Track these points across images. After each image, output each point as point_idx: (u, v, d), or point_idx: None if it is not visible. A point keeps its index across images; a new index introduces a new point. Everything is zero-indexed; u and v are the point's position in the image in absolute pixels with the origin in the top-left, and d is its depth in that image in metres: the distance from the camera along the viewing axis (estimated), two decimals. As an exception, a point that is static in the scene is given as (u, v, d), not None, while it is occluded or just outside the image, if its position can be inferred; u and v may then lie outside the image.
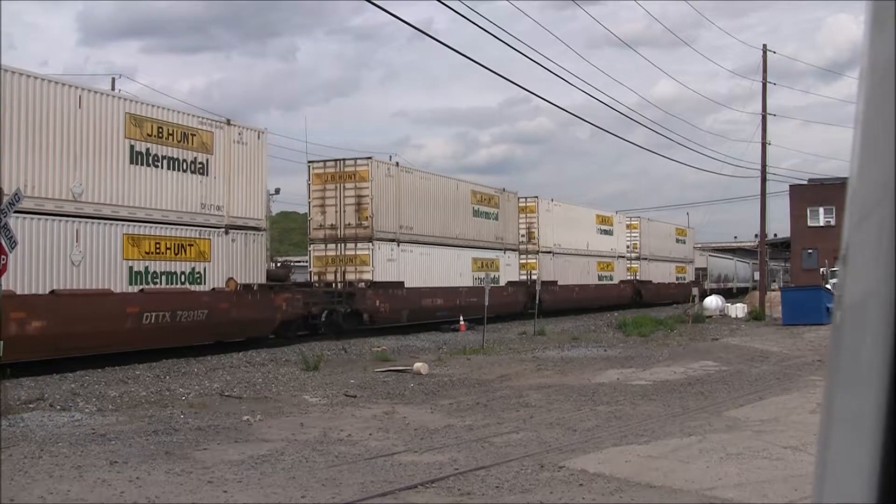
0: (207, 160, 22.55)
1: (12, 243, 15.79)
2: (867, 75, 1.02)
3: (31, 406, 13.31)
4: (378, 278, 29.19)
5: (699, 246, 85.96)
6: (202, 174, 22.37)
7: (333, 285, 29.03)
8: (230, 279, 22.90)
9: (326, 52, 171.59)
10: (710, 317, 38.17)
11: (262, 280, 24.44)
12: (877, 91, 0.98)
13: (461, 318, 32.14)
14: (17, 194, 15.04)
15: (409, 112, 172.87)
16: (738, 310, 39.88)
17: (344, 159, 30.00)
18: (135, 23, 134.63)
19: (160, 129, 21.11)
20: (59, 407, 13.32)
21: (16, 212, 13.98)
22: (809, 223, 57.38)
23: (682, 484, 8.39)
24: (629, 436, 10.98)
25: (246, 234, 23.74)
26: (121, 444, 10.45)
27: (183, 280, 21.48)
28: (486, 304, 26.36)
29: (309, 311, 26.61)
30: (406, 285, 30.54)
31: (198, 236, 22.10)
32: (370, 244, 29.10)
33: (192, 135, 22.14)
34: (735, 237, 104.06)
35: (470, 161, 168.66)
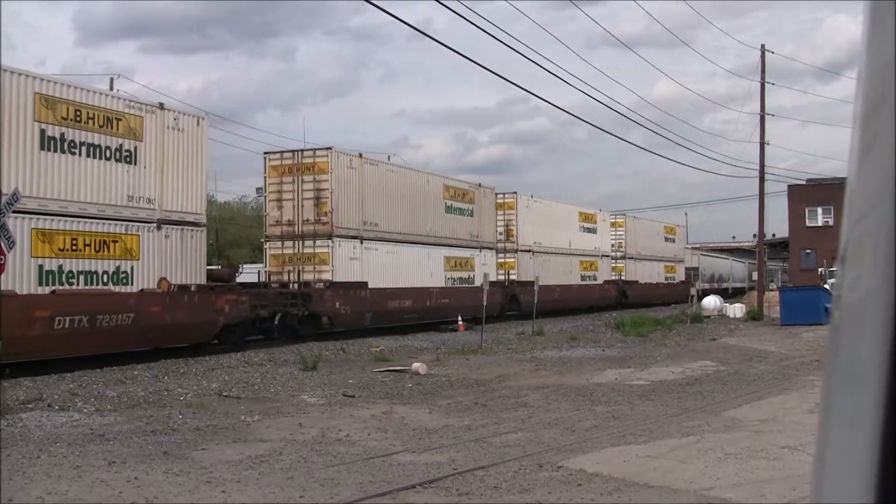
0: (136, 148, 20.48)
1: (10, 243, 15.78)
2: (865, 75, 1.02)
3: (29, 406, 13.30)
4: (338, 278, 27.39)
5: (697, 246, 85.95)
6: (130, 163, 20.28)
7: (290, 286, 26.94)
8: (162, 279, 20.90)
9: (325, 53, 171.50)
10: (709, 317, 38.17)
11: (202, 280, 22.44)
12: (875, 91, 0.98)
13: (460, 318, 31.89)
14: (15, 194, 15.01)
15: (408, 112, 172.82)
16: (737, 310, 39.88)
17: (302, 150, 28.26)
18: (132, 23, 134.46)
19: (78, 113, 18.93)
20: (57, 407, 13.32)
21: None
22: (808, 223, 57.46)
23: (681, 484, 8.40)
24: (627, 436, 10.98)
25: (182, 229, 21.76)
26: (119, 445, 10.44)
27: (106, 280, 19.48)
28: (485, 303, 26.40)
29: (257, 313, 24.29)
30: (370, 286, 28.62)
31: (124, 232, 20.08)
32: (330, 241, 27.32)
33: (118, 119, 20.05)
34: (733, 237, 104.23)
35: (468, 161, 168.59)
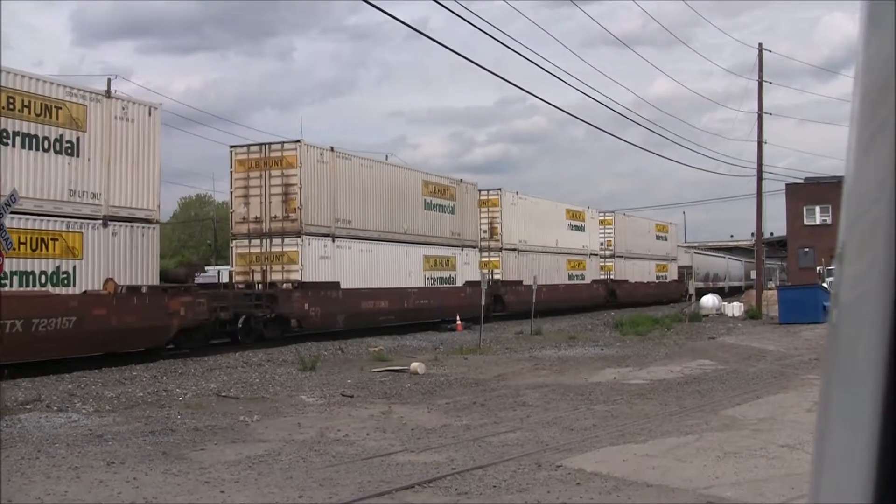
0: (79, 139, 18.98)
1: (8, 244, 15.78)
2: (863, 74, 1.02)
3: (28, 407, 13.30)
4: (308, 278, 25.97)
5: (695, 245, 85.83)
6: (71, 155, 18.79)
7: (255, 286, 25.62)
8: (109, 280, 19.31)
9: (322, 52, 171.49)
10: (707, 315, 38.19)
11: (154, 281, 20.85)
12: (872, 89, 0.98)
13: (458, 317, 31.78)
14: (13, 195, 15.02)
15: (406, 111, 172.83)
16: (735, 308, 39.91)
17: (270, 143, 26.82)
18: (129, 23, 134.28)
19: (11, 100, 17.52)
20: (56, 408, 13.31)
21: None
22: (806, 222, 57.53)
23: (680, 483, 8.40)
24: (626, 435, 10.99)
25: (132, 226, 20.20)
26: (118, 445, 10.43)
27: (44, 281, 18.04)
28: (483, 303, 26.39)
29: (217, 316, 22.75)
30: (342, 286, 27.17)
31: (65, 229, 18.58)
32: (299, 240, 25.88)
33: (57, 108, 18.55)
34: (731, 236, 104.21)
35: (466, 160, 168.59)
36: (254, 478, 8.76)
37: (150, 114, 21.07)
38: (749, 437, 10.61)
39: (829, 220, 54.82)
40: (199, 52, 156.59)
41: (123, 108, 20.27)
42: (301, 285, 25.67)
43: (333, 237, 27.31)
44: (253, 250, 26.43)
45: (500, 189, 39.82)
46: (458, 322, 31.72)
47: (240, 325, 24.15)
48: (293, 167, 26.00)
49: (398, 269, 30.56)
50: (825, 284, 35.67)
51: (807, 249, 56.18)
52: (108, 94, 19.93)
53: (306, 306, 25.61)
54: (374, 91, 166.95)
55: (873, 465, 0.87)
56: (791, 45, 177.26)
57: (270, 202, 26.26)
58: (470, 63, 35.88)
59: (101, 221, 19.49)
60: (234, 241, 27.01)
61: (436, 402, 14.30)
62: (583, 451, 10.04)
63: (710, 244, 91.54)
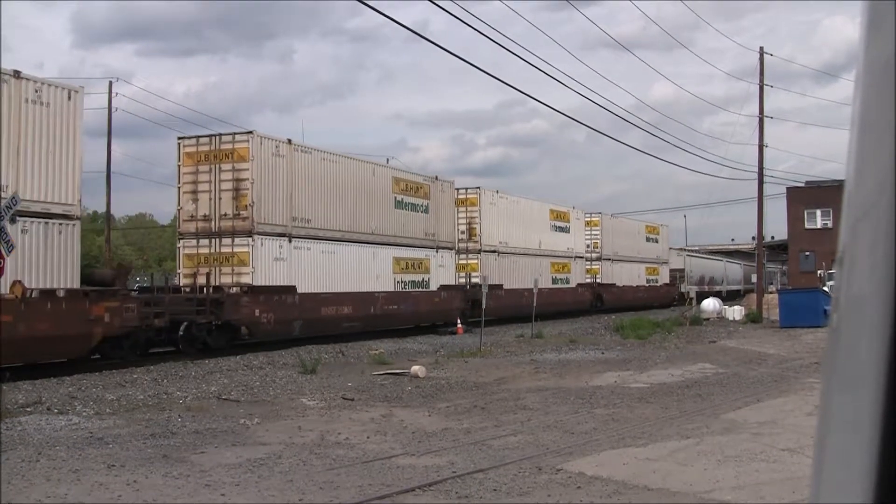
0: None
1: (10, 247, 15.79)
2: (863, 77, 1.02)
3: (28, 410, 13.30)
4: (261, 282, 23.97)
5: (695, 248, 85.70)
6: None
7: (202, 290, 23.35)
8: (16, 282, 17.13)
9: (322, 55, 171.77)
10: (708, 319, 38.19)
11: (75, 284, 18.58)
12: (873, 92, 0.98)
13: (459, 321, 31.66)
14: (14, 198, 15.02)
15: (405, 114, 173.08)
16: (736, 312, 39.90)
17: (220, 134, 24.69)
18: (129, 26, 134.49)
19: None
20: (56, 410, 13.31)
21: None
22: (807, 225, 57.49)
23: (680, 486, 8.39)
24: (627, 438, 10.98)
25: (47, 223, 18.01)
26: (118, 448, 10.43)
27: None
28: (484, 306, 26.33)
29: (150, 323, 20.61)
30: (299, 290, 25.13)
31: None
32: (250, 239, 23.86)
33: None
34: (732, 239, 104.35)
35: (466, 163, 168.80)
36: (254, 481, 8.75)
37: (69, 98, 18.61)
38: (750, 440, 10.61)
39: (829, 224, 54.80)
40: (199, 55, 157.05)
41: (37, 91, 17.94)
42: (251, 289, 23.69)
43: (290, 237, 25.33)
44: (201, 251, 24.48)
45: (478, 187, 37.94)
46: (459, 325, 31.61)
47: (181, 333, 22.33)
48: (245, 160, 24.02)
49: (364, 273, 28.56)
50: (826, 288, 35.63)
51: (807, 253, 56.16)
52: (17, 74, 17.57)
53: (257, 312, 23.58)
54: (374, 94, 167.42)
55: (874, 467, 0.87)
56: (792, 48, 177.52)
57: (220, 198, 24.23)
58: (470, 66, 35.45)
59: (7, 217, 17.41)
60: (181, 241, 25.10)
61: (436, 405, 14.30)
62: (583, 454, 10.03)
63: (710, 247, 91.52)
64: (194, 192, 24.53)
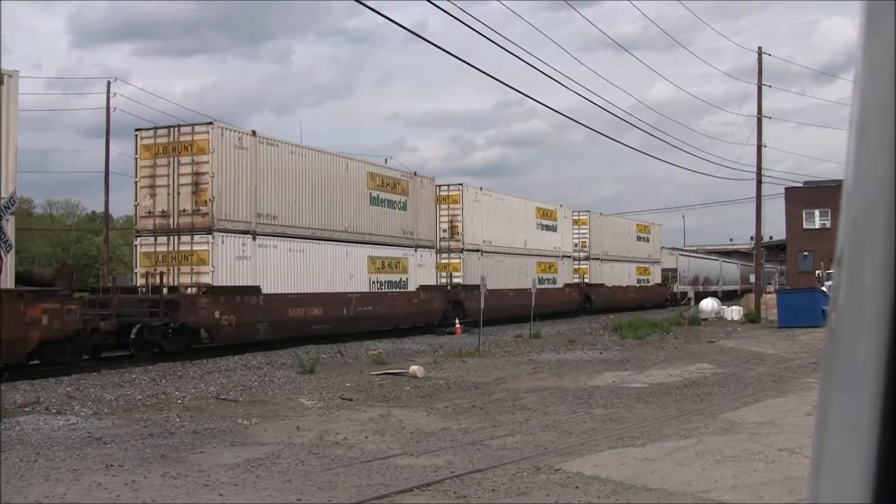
0: None
1: (7, 247, 15.79)
2: (862, 77, 1.02)
3: (27, 410, 13.29)
4: (221, 281, 22.66)
5: (694, 248, 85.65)
6: None
7: (149, 291, 22.10)
8: None
9: (321, 55, 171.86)
10: (706, 319, 38.21)
11: (9, 284, 17.28)
12: (872, 93, 0.98)
13: (457, 321, 31.56)
14: (12, 197, 15.02)
15: (404, 115, 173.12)
16: (734, 312, 39.93)
17: (179, 126, 23.43)
18: (127, 25, 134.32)
19: None
20: (54, 410, 13.31)
21: None
22: (805, 225, 57.50)
23: (679, 486, 8.40)
24: (625, 438, 10.98)
25: None
26: (116, 448, 10.43)
27: None
28: (482, 306, 26.30)
29: (95, 326, 19.31)
30: (265, 291, 23.84)
31: None
32: (210, 237, 22.52)
33: None
34: (731, 239, 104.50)
35: (465, 164, 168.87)
36: (252, 481, 8.75)
37: (1, 82, 16.92)
38: (748, 440, 10.61)
39: (828, 224, 54.82)
40: (198, 55, 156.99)
41: None
42: (211, 290, 22.33)
43: (254, 234, 23.96)
44: (159, 249, 23.19)
45: (461, 184, 36.49)
46: (457, 325, 31.54)
47: (133, 337, 21.16)
48: (205, 153, 22.64)
49: (337, 272, 27.19)
50: (824, 288, 35.68)
51: (806, 253, 56.19)
52: None
53: (217, 314, 22.20)
54: (373, 94, 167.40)
55: (872, 467, 0.87)
56: (790, 48, 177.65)
57: (179, 193, 22.93)
58: (468, 66, 35.06)
59: None
60: (138, 239, 23.75)
61: (435, 405, 14.30)
62: (581, 454, 10.03)
63: (709, 248, 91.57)
64: (152, 186, 23.30)
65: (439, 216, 35.01)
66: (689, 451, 10.00)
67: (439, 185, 35.39)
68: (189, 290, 22.44)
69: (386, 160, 34.18)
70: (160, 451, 10.28)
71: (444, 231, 35.48)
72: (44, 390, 15.41)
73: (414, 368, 18.18)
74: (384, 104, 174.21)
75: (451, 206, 35.83)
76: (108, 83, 45.05)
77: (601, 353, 23.61)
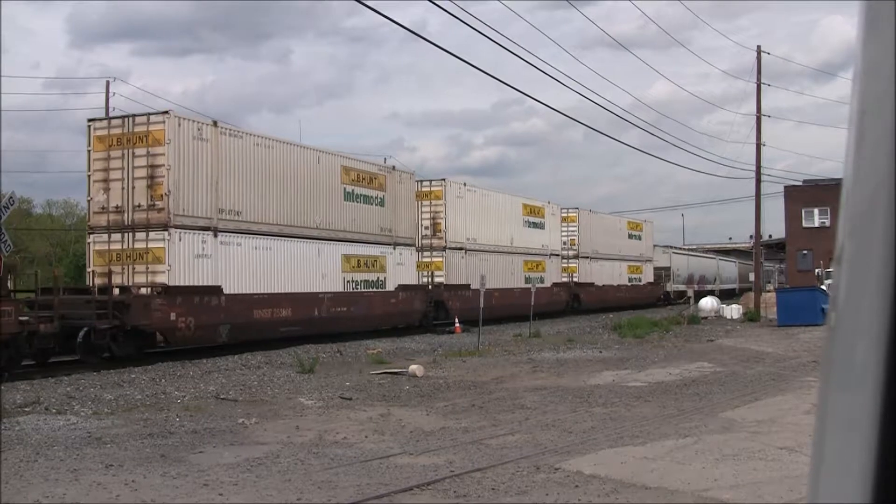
0: None
1: (7, 247, 15.79)
2: (861, 76, 1.02)
3: (26, 410, 13.29)
4: (179, 281, 21.34)
5: (693, 247, 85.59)
6: None
7: (103, 291, 20.75)
8: None
9: (319, 55, 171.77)
10: (706, 318, 38.23)
11: None
12: (871, 92, 0.98)
13: (457, 320, 31.52)
14: (11, 197, 15.02)
15: (402, 114, 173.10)
16: (734, 311, 39.96)
17: (134, 115, 22.21)
18: (125, 25, 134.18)
19: None
20: (54, 410, 13.30)
21: None
22: (804, 224, 57.50)
23: (678, 485, 8.40)
24: (625, 437, 10.98)
25: None
26: (116, 448, 10.43)
27: None
28: (482, 305, 26.28)
29: (34, 328, 18.26)
30: (226, 291, 22.49)
31: None
32: (166, 233, 21.21)
33: None
34: (730, 238, 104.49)
35: (463, 163, 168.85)
36: (252, 480, 8.75)
37: None
38: (747, 439, 10.61)
39: (827, 223, 54.82)
40: (196, 55, 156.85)
41: None
42: (166, 290, 21.02)
43: (216, 231, 22.57)
44: (113, 247, 21.85)
45: (443, 179, 35.17)
46: (457, 325, 31.47)
47: (79, 340, 19.45)
48: (161, 144, 21.35)
49: (308, 271, 25.94)
50: (823, 287, 35.69)
51: (805, 252, 56.20)
52: None
53: (173, 316, 20.78)
54: (372, 94, 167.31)
55: (872, 466, 0.87)
56: (789, 47, 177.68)
57: (134, 187, 21.61)
58: (467, 66, 34.75)
59: None
60: (91, 236, 22.40)
61: (434, 404, 14.30)
62: (581, 453, 10.03)
63: (708, 246, 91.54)
64: (106, 180, 21.97)
65: (421, 213, 33.88)
66: (689, 450, 10.00)
67: (421, 181, 34.29)
68: (142, 290, 21.30)
69: (385, 159, 33.77)
70: (160, 450, 10.28)
71: (426, 228, 34.41)
72: (43, 390, 15.41)
73: (413, 368, 18.18)
74: (383, 104, 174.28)
75: (434, 202, 34.53)
76: (107, 83, 45.13)
77: (601, 351, 23.61)
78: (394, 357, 22.16)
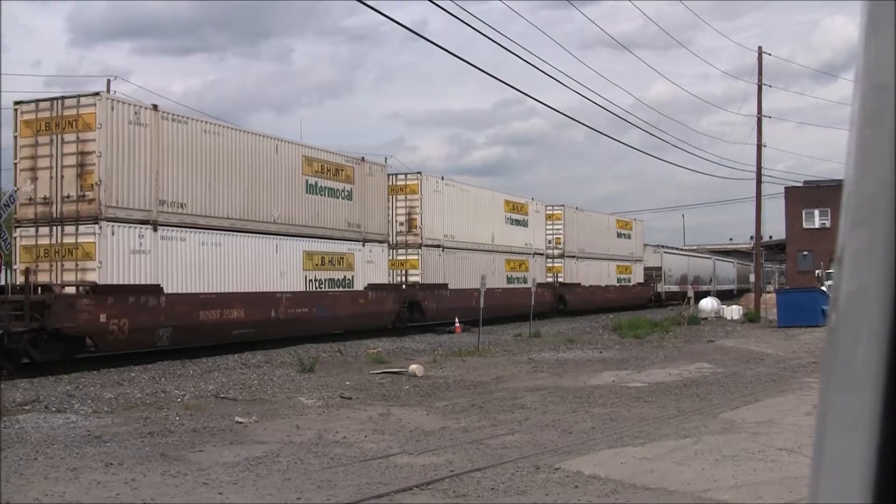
0: None
1: (7, 245, 15.78)
2: (862, 77, 1.02)
3: (26, 408, 13.29)
4: (111, 279, 19.42)
5: (693, 247, 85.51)
6: None
7: (19, 290, 18.91)
8: None
9: (320, 54, 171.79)
10: (706, 318, 38.23)
11: None
12: (872, 92, 0.98)
13: (457, 320, 31.46)
14: (11, 195, 15.01)
15: (403, 114, 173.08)
16: (734, 312, 39.95)
17: (64, 97, 20.10)
18: (126, 24, 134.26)
19: None
20: (54, 409, 13.31)
21: None
22: (805, 225, 57.56)
23: (678, 486, 8.40)
24: (624, 438, 10.98)
25: None
26: (116, 446, 10.43)
27: None
28: (482, 305, 26.25)
29: None
30: (167, 290, 20.59)
31: None
32: (96, 227, 19.30)
33: None
34: (730, 239, 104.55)
35: (464, 162, 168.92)
36: (252, 479, 8.75)
37: None
38: (747, 440, 10.61)
39: (828, 224, 54.86)
40: (197, 54, 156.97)
41: None
42: (95, 289, 19.09)
43: (155, 225, 20.68)
44: (41, 242, 19.86)
45: (419, 173, 33.30)
46: (457, 324, 31.43)
47: None
48: (91, 129, 19.47)
49: (264, 269, 24.11)
50: (824, 288, 35.70)
51: (806, 253, 56.24)
52: None
53: (103, 318, 18.85)
54: (372, 93, 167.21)
55: (872, 467, 0.87)
56: (790, 48, 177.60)
57: (63, 176, 19.69)
58: (468, 65, 34.64)
59: None
60: (17, 230, 20.17)
61: (434, 404, 14.30)
62: (581, 453, 10.03)
63: (708, 247, 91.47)
64: (33, 169, 20.01)
65: (395, 208, 32.11)
66: (689, 451, 10.00)
67: (395, 174, 32.78)
68: (67, 289, 19.44)
69: (386, 159, 33.48)
70: (160, 449, 10.28)
71: (401, 224, 32.41)
72: (43, 389, 15.41)
73: (413, 367, 18.18)
74: (384, 103, 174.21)
75: (409, 196, 32.48)
76: (108, 81, 45.01)
77: (600, 352, 23.61)
78: (394, 357, 22.16)
